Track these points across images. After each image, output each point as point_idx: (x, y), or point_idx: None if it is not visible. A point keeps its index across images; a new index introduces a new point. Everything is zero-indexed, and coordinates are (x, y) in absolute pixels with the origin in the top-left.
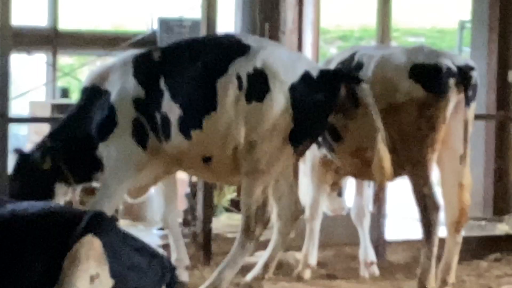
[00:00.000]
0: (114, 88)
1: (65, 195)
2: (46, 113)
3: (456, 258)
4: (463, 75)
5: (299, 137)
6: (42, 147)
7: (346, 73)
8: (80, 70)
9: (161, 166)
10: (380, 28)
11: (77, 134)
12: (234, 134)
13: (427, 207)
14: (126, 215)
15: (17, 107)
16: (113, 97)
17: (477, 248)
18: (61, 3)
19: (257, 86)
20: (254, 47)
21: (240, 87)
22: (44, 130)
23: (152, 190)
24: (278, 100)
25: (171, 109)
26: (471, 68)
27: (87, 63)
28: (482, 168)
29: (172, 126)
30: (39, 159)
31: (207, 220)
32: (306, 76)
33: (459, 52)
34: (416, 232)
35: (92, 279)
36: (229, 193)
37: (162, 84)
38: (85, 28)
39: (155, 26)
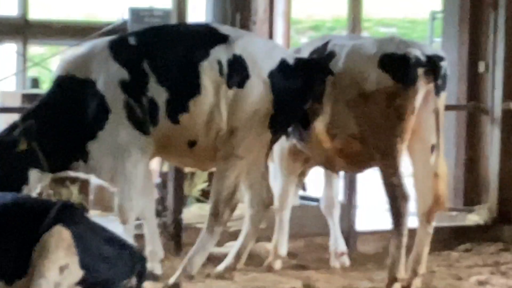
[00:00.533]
0: (95, 75)
1: (39, 182)
2: (17, 103)
3: (427, 248)
4: (432, 65)
5: (279, 124)
6: (13, 129)
7: (320, 63)
8: (51, 60)
9: (151, 150)
10: (352, 19)
11: (55, 122)
12: (217, 119)
13: (396, 197)
14: (96, 205)
15: None
16: (99, 85)
17: (448, 239)
18: None
19: (238, 72)
20: (232, 36)
21: (221, 72)
22: (13, 119)
23: None
24: (258, 86)
25: (158, 93)
26: (441, 58)
27: (58, 53)
28: (453, 159)
29: (160, 110)
30: (14, 140)
31: (177, 211)
32: (283, 64)
33: (430, 42)
34: (386, 222)
35: (62, 269)
36: (200, 184)
37: (146, 67)
38: (56, 18)
39: (126, 16)
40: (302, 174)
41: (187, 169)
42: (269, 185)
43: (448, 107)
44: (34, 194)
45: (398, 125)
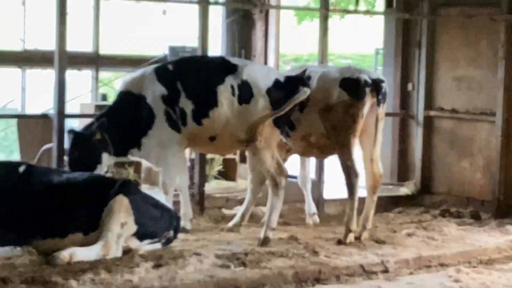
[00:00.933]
0: (146, 92)
1: (108, 163)
2: (91, 111)
3: (372, 211)
4: (376, 86)
5: (279, 123)
6: (90, 126)
7: (302, 78)
8: (115, 81)
9: (184, 144)
10: (321, 54)
11: (119, 123)
12: (231, 124)
13: (350, 175)
14: (146, 181)
15: (71, 107)
16: (148, 99)
17: (386, 204)
18: (101, 34)
19: (245, 92)
20: (240, 65)
21: (233, 93)
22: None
23: None
24: (260, 101)
25: (186, 105)
26: (382, 81)
27: (119, 77)
28: (390, 149)
29: (188, 116)
30: (92, 133)
31: (201, 185)
32: (277, 82)
33: (375, 70)
34: (344, 193)
35: (122, 225)
36: (217, 166)
37: (179, 86)
38: (118, 53)
39: (166, 52)
40: (284, 160)
41: (208, 156)
42: (264, 168)
43: (387, 114)
44: (104, 171)
45: (351, 126)
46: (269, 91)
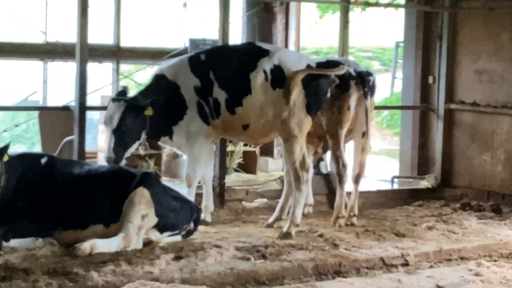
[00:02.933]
0: (180, 81)
1: (144, 141)
2: None
3: (356, 200)
4: (361, 78)
5: (312, 109)
6: (136, 100)
7: (333, 64)
8: (135, 74)
9: (214, 134)
10: (341, 46)
11: (154, 105)
12: (266, 111)
13: (338, 165)
14: (166, 173)
15: (92, 100)
16: (181, 89)
17: (406, 197)
18: (122, 27)
19: (278, 77)
20: (271, 51)
21: (266, 78)
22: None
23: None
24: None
25: (220, 94)
26: (369, 74)
27: (140, 69)
28: (410, 142)
29: (221, 106)
30: (146, 105)
31: (222, 177)
32: (309, 67)
33: (395, 63)
34: (362, 185)
35: (143, 217)
36: (237, 159)
37: (212, 76)
38: (139, 45)
39: (187, 44)
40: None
41: (228, 148)
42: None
43: (407, 107)
44: (136, 147)
45: (338, 118)
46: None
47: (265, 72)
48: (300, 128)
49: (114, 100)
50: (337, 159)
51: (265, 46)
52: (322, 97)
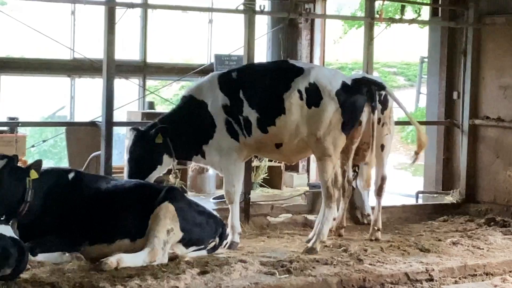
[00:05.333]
0: (208, 99)
1: (168, 165)
2: (138, 118)
3: (380, 213)
4: (369, 93)
5: (348, 127)
6: (154, 127)
7: (372, 80)
8: (161, 90)
9: (246, 151)
10: (366, 62)
11: (181, 128)
12: (300, 130)
13: (344, 178)
14: (192, 188)
15: (119, 115)
16: (209, 107)
17: (431, 213)
18: (148, 43)
19: (313, 95)
20: (305, 69)
21: (301, 98)
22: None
23: (210, 170)
24: (330, 103)
25: (250, 114)
26: (380, 89)
27: (166, 85)
28: (435, 158)
29: (252, 125)
30: (154, 134)
31: (247, 192)
32: (344, 84)
33: (419, 79)
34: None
35: (168, 232)
36: (262, 174)
37: (241, 95)
38: (165, 61)
39: (212, 60)
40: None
41: (253, 164)
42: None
43: (432, 123)
44: (164, 171)
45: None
46: (338, 94)
47: (299, 92)
48: (335, 147)
49: (130, 129)
50: (344, 173)
51: (298, 64)
52: (358, 115)
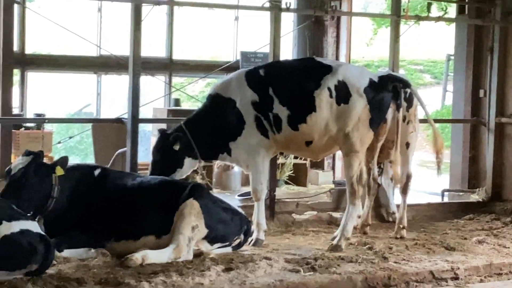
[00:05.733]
0: (236, 96)
1: (192, 167)
2: (164, 115)
3: (405, 211)
4: (394, 91)
5: (375, 123)
6: (176, 132)
7: (398, 77)
8: (187, 87)
9: (274, 148)
10: (392, 59)
11: (208, 126)
12: (330, 127)
13: (369, 176)
14: (217, 185)
15: (144, 112)
16: (238, 103)
17: (456, 211)
18: (174, 40)
19: (342, 93)
20: (333, 66)
21: (330, 95)
22: (161, 127)
23: (236, 167)
24: (359, 100)
25: (280, 111)
26: (405, 87)
27: (192, 82)
28: (461, 156)
29: (283, 122)
30: (172, 141)
31: (272, 189)
32: (371, 82)
33: (446, 77)
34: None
35: (193, 228)
36: (287, 171)
37: (271, 92)
38: (191, 58)
39: (238, 57)
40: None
41: (278, 161)
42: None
43: (458, 121)
44: (187, 173)
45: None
46: (366, 91)
47: (329, 90)
48: (362, 143)
49: (158, 130)
50: (369, 171)
51: (325, 61)
52: (385, 112)
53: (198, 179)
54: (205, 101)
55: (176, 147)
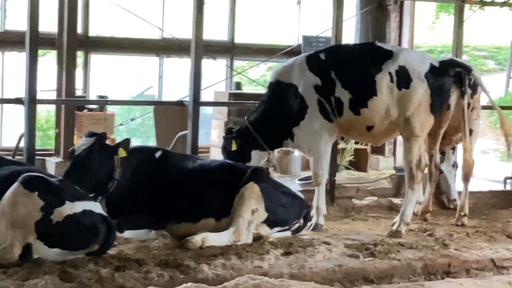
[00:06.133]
0: (297, 81)
1: (260, 159)
2: (225, 99)
3: (467, 198)
4: (458, 77)
5: (436, 108)
6: (238, 130)
7: (459, 63)
8: (249, 70)
9: (336, 133)
10: (455, 45)
11: (272, 116)
12: (391, 112)
13: (431, 162)
14: (277, 169)
15: (206, 95)
16: (299, 88)
17: None
18: (236, 24)
19: (403, 78)
20: (394, 51)
21: (391, 80)
22: (222, 111)
23: (296, 152)
24: (420, 85)
25: (342, 94)
26: (468, 72)
27: (253, 66)
28: None
29: (344, 106)
30: (229, 143)
31: (332, 174)
32: (432, 67)
33: (510, 63)
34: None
35: (253, 212)
36: (348, 157)
37: (333, 75)
38: (252, 42)
39: (300, 41)
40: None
41: (339, 146)
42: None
43: None
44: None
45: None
46: (427, 76)
47: (390, 74)
48: (422, 128)
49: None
50: (431, 157)
51: (386, 46)
52: (445, 97)
53: (270, 170)
54: (267, 90)
55: (234, 147)
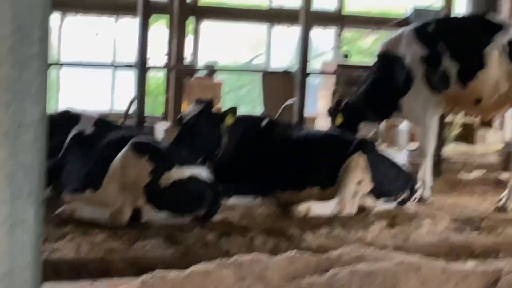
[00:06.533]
0: (405, 52)
1: (369, 131)
2: (332, 69)
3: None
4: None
5: None
6: (346, 103)
7: None
8: (357, 41)
9: (443, 105)
10: None
11: (380, 87)
12: (500, 85)
13: None
14: (384, 141)
15: (314, 65)
16: (407, 60)
17: None
18: None
19: None
20: (505, 25)
21: (501, 53)
22: (329, 81)
23: (403, 124)
24: None
25: (450, 66)
26: None
27: (361, 36)
28: None
29: (451, 78)
30: (333, 119)
31: (439, 148)
32: None
33: None
34: None
35: (359, 183)
36: (456, 130)
37: (441, 47)
38: (362, 12)
39: (409, 12)
40: None
41: (446, 119)
42: None
43: None
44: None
45: None
46: None
47: (500, 47)
48: None
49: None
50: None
51: (496, 19)
52: None
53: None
54: (375, 62)
55: (339, 120)
